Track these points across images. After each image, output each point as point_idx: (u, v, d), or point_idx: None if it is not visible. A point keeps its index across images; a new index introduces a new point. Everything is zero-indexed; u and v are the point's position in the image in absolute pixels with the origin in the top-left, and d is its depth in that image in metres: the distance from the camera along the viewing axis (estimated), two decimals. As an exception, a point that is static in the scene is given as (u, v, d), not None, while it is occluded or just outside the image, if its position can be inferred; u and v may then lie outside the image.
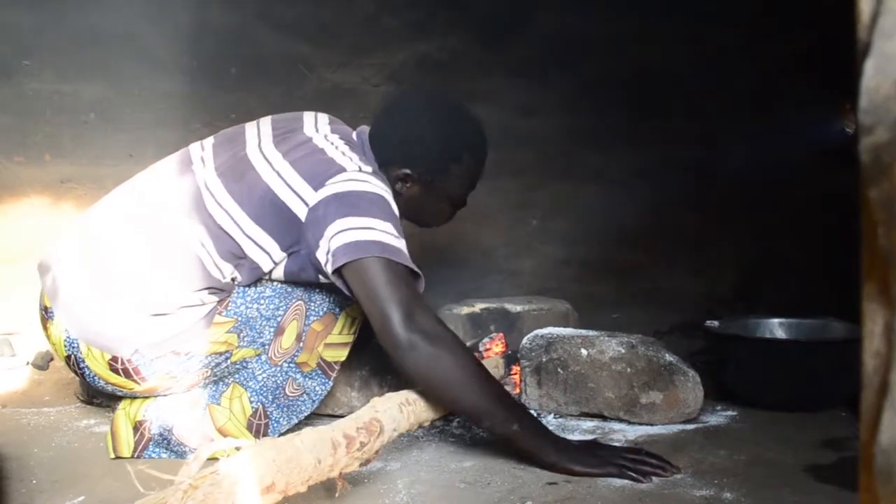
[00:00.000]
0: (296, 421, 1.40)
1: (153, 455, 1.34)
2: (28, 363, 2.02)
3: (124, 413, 1.37)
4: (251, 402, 1.37)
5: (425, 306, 1.24)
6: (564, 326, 1.84)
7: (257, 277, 1.36)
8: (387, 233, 1.25)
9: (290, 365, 1.41)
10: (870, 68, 0.40)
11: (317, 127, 1.43)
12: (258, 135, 1.42)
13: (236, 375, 1.38)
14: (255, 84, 2.36)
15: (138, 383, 1.32)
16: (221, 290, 1.33)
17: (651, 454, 1.21)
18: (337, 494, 1.04)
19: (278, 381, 1.39)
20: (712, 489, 1.12)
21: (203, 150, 1.42)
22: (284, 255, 1.33)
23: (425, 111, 1.45)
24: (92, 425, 1.50)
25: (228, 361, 1.36)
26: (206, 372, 1.34)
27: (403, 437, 1.36)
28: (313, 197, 1.29)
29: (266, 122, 1.46)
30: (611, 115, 2.37)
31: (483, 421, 1.24)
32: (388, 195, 1.32)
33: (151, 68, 2.29)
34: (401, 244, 1.27)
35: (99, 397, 1.62)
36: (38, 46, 2.21)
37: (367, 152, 1.43)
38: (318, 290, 1.42)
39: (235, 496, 0.81)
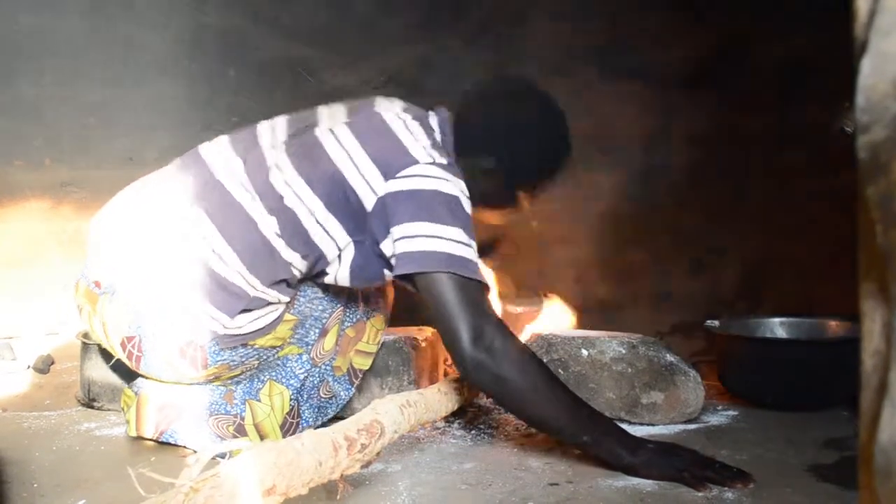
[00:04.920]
0: (320, 423, 1.42)
1: (171, 439, 1.34)
2: (29, 367, 2.02)
3: (148, 395, 1.36)
4: (290, 400, 1.38)
5: (495, 322, 1.21)
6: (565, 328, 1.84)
7: (320, 270, 1.34)
8: (456, 241, 1.23)
9: (327, 367, 1.44)
10: (866, 67, 0.40)
11: (390, 105, 1.40)
12: (330, 115, 1.39)
13: (272, 372, 1.38)
14: (255, 87, 2.37)
15: (197, 371, 1.29)
16: (291, 288, 1.33)
17: (726, 465, 1.17)
18: (338, 496, 1.04)
19: (315, 382, 1.42)
20: (714, 489, 1.11)
21: (273, 132, 1.38)
22: (350, 241, 1.31)
23: (525, 105, 1.40)
24: (93, 429, 1.50)
25: (276, 356, 1.37)
26: (255, 363, 1.35)
27: (404, 439, 1.36)
28: (382, 187, 1.26)
29: (337, 105, 1.43)
30: (610, 116, 2.37)
31: (551, 434, 1.27)
32: (462, 193, 1.28)
33: (151, 71, 2.30)
34: (469, 252, 1.24)
35: (100, 400, 1.62)
36: (38, 50, 2.21)
37: (446, 135, 1.37)
38: (354, 299, 1.46)
39: (236, 499, 0.81)
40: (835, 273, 1.48)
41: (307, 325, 1.40)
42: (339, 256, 1.33)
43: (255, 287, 1.28)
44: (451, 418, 1.50)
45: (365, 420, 1.09)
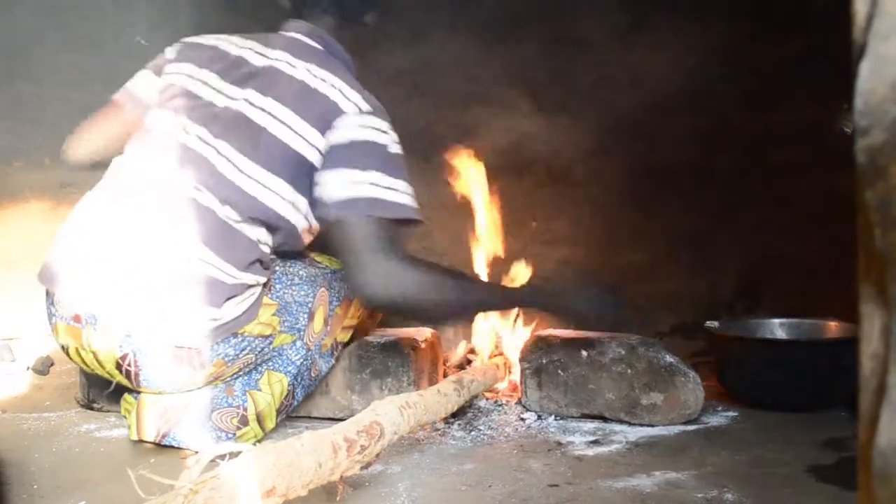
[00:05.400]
0: (304, 395, 1.48)
1: (173, 442, 1.34)
2: (28, 368, 2.02)
3: (149, 399, 1.36)
4: (289, 386, 1.41)
5: (399, 256, 1.31)
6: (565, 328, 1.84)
7: (293, 238, 1.40)
8: (378, 185, 1.32)
9: (316, 348, 1.46)
10: (865, 70, 0.40)
11: (271, 56, 1.44)
12: (215, 85, 1.42)
13: (270, 363, 1.40)
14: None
15: (196, 371, 1.30)
16: (266, 267, 1.36)
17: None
18: (338, 498, 1.04)
19: (308, 364, 1.45)
20: (714, 490, 1.12)
21: (189, 124, 1.38)
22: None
23: None
24: (93, 430, 1.50)
25: (271, 346, 1.38)
26: (251, 358, 1.36)
27: (404, 440, 1.36)
28: (321, 141, 1.35)
29: (201, 70, 1.46)
30: (610, 117, 2.37)
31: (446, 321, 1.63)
32: (390, 133, 1.38)
33: (151, 72, 2.29)
34: (392, 194, 1.33)
35: (100, 401, 1.62)
36: (38, 50, 2.21)
37: (334, 48, 1.50)
38: (335, 279, 1.49)
39: (236, 500, 0.81)
40: (835, 273, 1.48)
41: (294, 312, 1.41)
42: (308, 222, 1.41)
43: (231, 275, 1.29)
44: (450, 419, 1.50)
45: (364, 421, 1.09)
